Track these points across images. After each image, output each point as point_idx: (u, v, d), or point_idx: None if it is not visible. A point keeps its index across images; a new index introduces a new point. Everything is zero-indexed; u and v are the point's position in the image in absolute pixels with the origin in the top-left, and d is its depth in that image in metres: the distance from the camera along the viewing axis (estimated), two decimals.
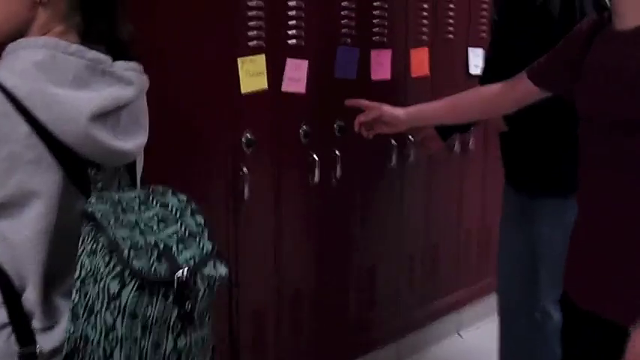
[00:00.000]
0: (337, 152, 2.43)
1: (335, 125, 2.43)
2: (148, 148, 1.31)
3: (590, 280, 1.56)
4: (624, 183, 1.48)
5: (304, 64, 2.29)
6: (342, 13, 2.38)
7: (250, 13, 2.11)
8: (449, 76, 2.79)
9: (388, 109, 2.09)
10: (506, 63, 2.00)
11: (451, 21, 2.81)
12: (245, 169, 2.15)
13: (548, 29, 2.01)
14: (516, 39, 2.15)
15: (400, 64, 2.62)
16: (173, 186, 1.28)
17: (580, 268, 1.60)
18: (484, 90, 2.02)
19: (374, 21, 2.50)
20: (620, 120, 1.47)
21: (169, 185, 1.27)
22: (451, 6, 2.80)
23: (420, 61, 2.71)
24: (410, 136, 2.65)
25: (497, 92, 1.97)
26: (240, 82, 2.12)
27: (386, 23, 2.53)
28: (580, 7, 2.02)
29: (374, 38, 2.51)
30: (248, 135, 2.17)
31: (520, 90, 1.89)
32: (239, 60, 2.10)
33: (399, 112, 2.08)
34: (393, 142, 2.61)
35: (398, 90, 2.64)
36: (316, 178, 2.37)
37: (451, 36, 2.82)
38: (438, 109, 2.08)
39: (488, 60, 2.41)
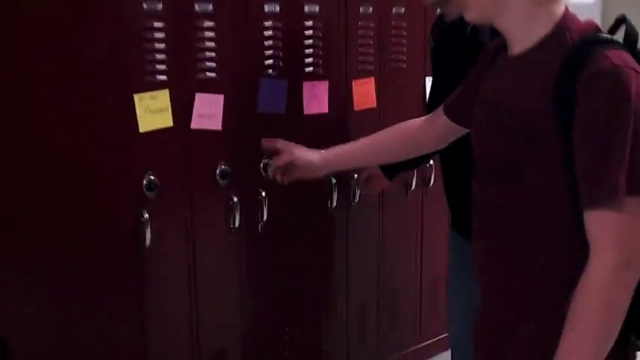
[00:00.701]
0: (263, 193, 2.22)
1: (261, 164, 2.22)
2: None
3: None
4: (501, 244, 1.28)
5: (219, 99, 2.09)
6: (265, 42, 2.18)
7: (150, 46, 1.93)
8: (401, 107, 2.56)
9: (302, 154, 1.89)
10: (444, 91, 1.80)
11: (403, 49, 2.59)
12: (146, 215, 1.96)
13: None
14: (450, 67, 1.94)
15: (339, 96, 2.41)
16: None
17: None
18: (405, 126, 1.81)
19: (306, 50, 2.29)
20: (496, 160, 1.27)
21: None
22: (402, 32, 2.58)
23: (364, 93, 2.49)
24: (355, 175, 2.42)
25: (418, 127, 1.77)
26: (138, 119, 1.93)
27: (320, 52, 2.32)
28: None
29: (306, 69, 2.30)
30: (151, 177, 1.97)
31: (440, 125, 1.69)
32: (136, 96, 1.92)
33: (313, 156, 1.87)
34: (332, 180, 2.39)
35: (338, 124, 2.42)
36: (237, 223, 2.16)
37: (403, 65, 2.60)
38: (357, 150, 1.87)
39: (431, 88, 2.21)
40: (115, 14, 1.86)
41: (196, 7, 2.00)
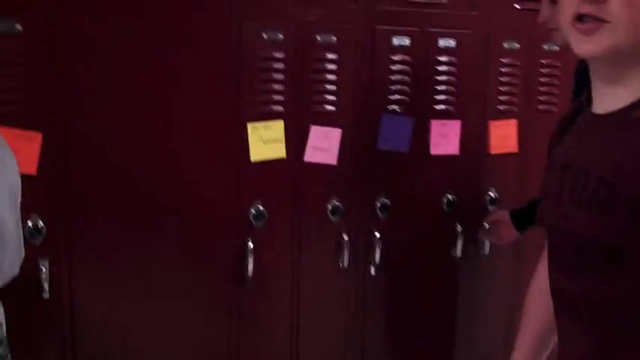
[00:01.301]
0: (377, 234, 2.10)
1: (377, 203, 2.11)
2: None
3: None
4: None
5: (335, 133, 2.03)
6: (391, 77, 2.09)
7: (267, 75, 1.92)
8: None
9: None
10: None
11: (555, 90, 2.35)
12: (251, 245, 1.93)
13: None
14: None
15: (474, 137, 2.23)
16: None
17: None
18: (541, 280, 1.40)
19: (437, 87, 2.16)
20: (586, 243, 1.02)
21: None
22: (555, 72, 2.34)
23: (503, 135, 2.28)
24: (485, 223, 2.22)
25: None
26: (250, 148, 1.92)
27: (454, 90, 2.17)
28: None
29: (436, 106, 2.17)
30: (260, 207, 1.95)
31: None
32: (249, 125, 1.91)
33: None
34: (458, 227, 2.21)
35: (469, 167, 2.24)
36: (346, 262, 2.07)
37: (554, 108, 2.35)
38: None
39: None
40: (235, 42, 1.88)
41: (318, 38, 1.97)
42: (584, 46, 1.02)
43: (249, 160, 1.93)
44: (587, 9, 0.99)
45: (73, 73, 1.72)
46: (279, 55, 1.92)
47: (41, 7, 1.67)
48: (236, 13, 1.86)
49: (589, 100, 1.10)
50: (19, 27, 1.64)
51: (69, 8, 1.69)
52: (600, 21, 0.98)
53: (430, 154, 2.17)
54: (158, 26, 1.78)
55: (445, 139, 2.19)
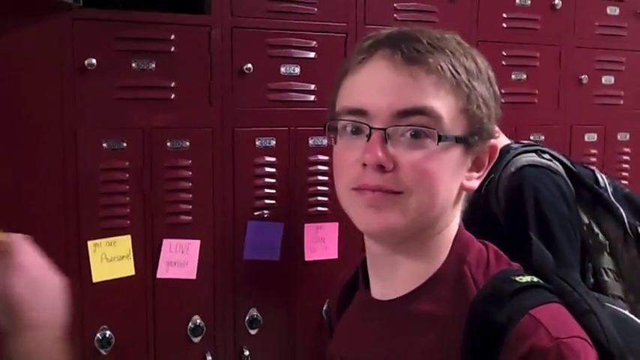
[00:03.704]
0: (247, 351, 1.92)
1: (246, 317, 1.93)
2: None
3: None
4: None
5: (194, 245, 1.86)
6: (254, 182, 1.94)
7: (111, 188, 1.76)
8: None
9: None
10: None
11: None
12: None
13: None
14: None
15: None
16: None
17: None
18: None
19: (309, 189, 2.01)
20: None
21: None
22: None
23: None
24: None
25: None
26: (92, 268, 1.74)
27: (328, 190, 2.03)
28: None
29: (309, 210, 2.02)
30: (106, 333, 1.76)
31: None
32: (90, 243, 1.74)
33: None
34: None
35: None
36: None
37: None
38: None
39: None
40: (71, 153, 1.72)
41: (168, 144, 1.82)
42: (368, 219, 0.85)
43: (92, 281, 1.74)
44: (373, 180, 0.83)
45: None
46: (123, 164, 1.77)
47: None
48: (68, 122, 1.71)
49: (365, 277, 0.95)
50: None
51: None
52: (391, 193, 0.83)
53: (303, 260, 2.01)
54: None
55: (321, 243, 2.04)
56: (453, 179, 0.85)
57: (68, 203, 1.72)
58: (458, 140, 0.83)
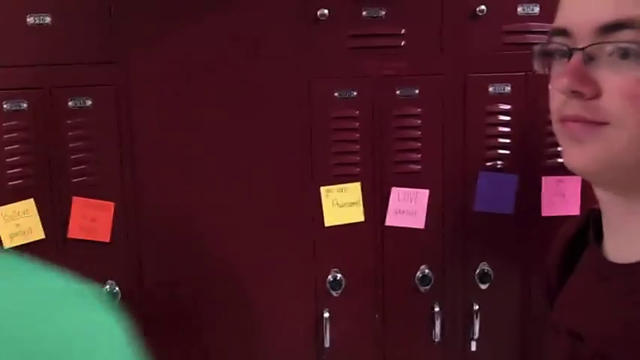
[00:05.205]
0: (476, 306, 1.87)
1: (477, 271, 1.87)
2: None
3: None
4: None
5: (422, 194, 1.84)
6: (486, 131, 1.85)
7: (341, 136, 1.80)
8: None
9: None
10: None
11: None
12: (326, 314, 1.82)
13: None
14: None
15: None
16: None
17: None
18: None
19: (547, 139, 1.86)
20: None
21: None
22: None
23: None
24: None
25: None
26: (324, 213, 1.82)
27: None
28: None
29: (549, 162, 1.87)
30: (337, 276, 1.83)
31: None
32: (322, 189, 1.81)
33: None
34: None
35: None
36: (437, 337, 1.86)
37: None
38: None
39: None
40: (306, 102, 1.79)
41: (398, 92, 1.81)
42: (572, 154, 0.76)
43: (324, 225, 1.82)
44: (572, 109, 0.74)
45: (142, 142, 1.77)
46: (354, 113, 1.80)
47: (110, 82, 1.73)
48: (305, 72, 1.78)
49: (599, 235, 0.82)
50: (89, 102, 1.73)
51: (134, 80, 1.74)
52: (594, 123, 0.73)
53: (541, 216, 1.88)
54: (228, 87, 1.77)
55: (561, 198, 1.89)
56: None
57: (303, 151, 1.80)
58: None
